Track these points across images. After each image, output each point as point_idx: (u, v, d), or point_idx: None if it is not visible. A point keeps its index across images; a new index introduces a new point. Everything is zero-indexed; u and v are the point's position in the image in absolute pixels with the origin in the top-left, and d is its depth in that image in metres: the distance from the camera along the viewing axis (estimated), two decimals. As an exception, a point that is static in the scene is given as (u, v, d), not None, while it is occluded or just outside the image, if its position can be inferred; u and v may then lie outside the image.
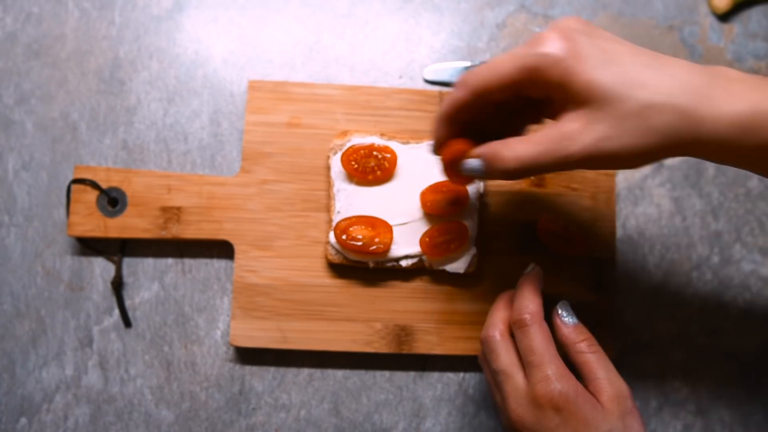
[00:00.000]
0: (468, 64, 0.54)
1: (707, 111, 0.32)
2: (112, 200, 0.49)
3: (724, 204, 0.55)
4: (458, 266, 0.48)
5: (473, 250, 0.49)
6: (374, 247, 0.47)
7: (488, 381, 0.43)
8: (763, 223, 0.55)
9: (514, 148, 0.35)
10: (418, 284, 0.50)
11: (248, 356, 0.51)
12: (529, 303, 0.40)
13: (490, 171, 0.36)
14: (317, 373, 0.51)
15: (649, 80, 0.32)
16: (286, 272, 0.49)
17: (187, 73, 0.53)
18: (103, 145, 0.52)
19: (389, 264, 0.48)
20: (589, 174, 0.52)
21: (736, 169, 0.55)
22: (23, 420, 0.49)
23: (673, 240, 0.54)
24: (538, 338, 0.38)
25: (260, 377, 0.50)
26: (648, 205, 0.54)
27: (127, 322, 0.50)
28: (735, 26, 0.57)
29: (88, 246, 0.51)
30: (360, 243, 0.47)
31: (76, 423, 0.49)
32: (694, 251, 0.54)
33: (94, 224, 0.49)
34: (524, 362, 0.38)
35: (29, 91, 0.52)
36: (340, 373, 0.51)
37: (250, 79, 0.53)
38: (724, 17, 0.57)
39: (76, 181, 0.49)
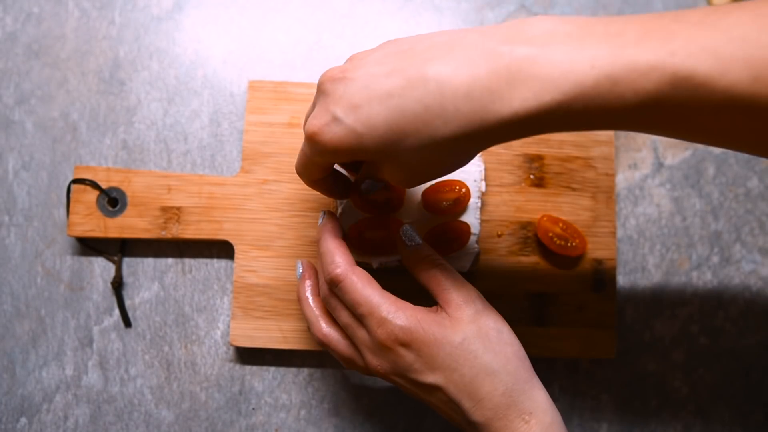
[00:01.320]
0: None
1: (474, 129, 0.30)
2: (112, 200, 0.49)
3: (724, 204, 0.55)
4: (462, 265, 0.48)
5: (476, 249, 0.49)
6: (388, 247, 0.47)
7: (343, 354, 0.40)
8: (763, 223, 0.55)
9: (377, 175, 0.38)
10: (416, 283, 0.50)
11: (248, 356, 0.51)
12: (337, 256, 0.38)
13: (379, 183, 0.40)
14: (317, 373, 0.51)
15: (407, 128, 0.30)
16: (286, 272, 0.49)
17: (187, 73, 0.53)
18: (103, 145, 0.52)
19: (393, 264, 0.48)
20: (589, 174, 0.52)
21: (736, 169, 0.55)
22: (23, 420, 0.49)
23: (673, 240, 0.54)
24: (357, 288, 0.37)
25: (260, 377, 0.50)
26: (648, 205, 0.54)
27: (127, 322, 0.50)
28: (735, 26, 0.57)
29: (88, 246, 0.51)
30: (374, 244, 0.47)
31: (76, 423, 0.49)
32: (694, 251, 0.54)
33: (94, 224, 0.49)
34: (356, 316, 0.37)
35: (29, 91, 0.53)
36: (340, 373, 0.51)
37: (250, 79, 0.53)
38: (724, 17, 0.57)
39: (76, 181, 0.49)
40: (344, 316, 0.38)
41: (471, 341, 0.35)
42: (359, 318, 0.37)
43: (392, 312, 0.36)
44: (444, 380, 0.35)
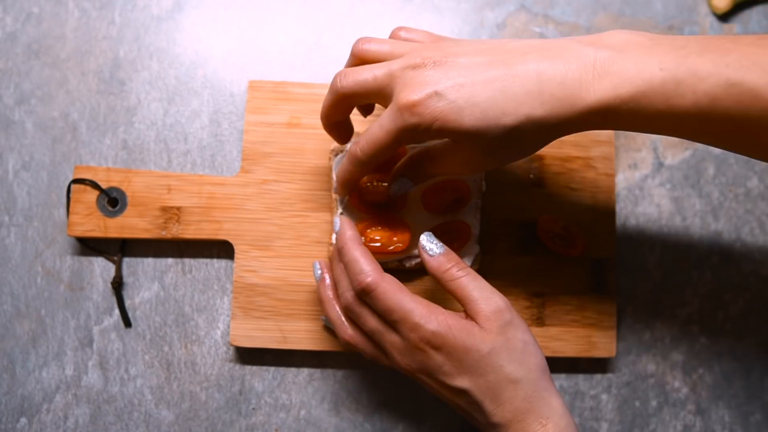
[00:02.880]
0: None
1: (563, 113, 0.34)
2: (112, 200, 0.49)
3: (724, 204, 0.55)
4: None
5: (477, 249, 0.49)
6: (393, 247, 0.47)
7: (369, 354, 0.42)
8: (763, 223, 0.55)
9: (431, 168, 0.41)
10: (418, 284, 0.50)
11: (248, 356, 0.51)
12: (363, 264, 0.39)
13: (415, 183, 0.43)
14: (317, 373, 0.51)
15: (507, 106, 0.35)
16: (286, 272, 0.49)
17: (187, 73, 0.53)
18: (103, 145, 0.52)
19: (393, 265, 0.48)
20: (589, 174, 0.52)
21: (736, 169, 0.55)
22: (23, 420, 0.49)
23: (673, 240, 0.54)
24: (389, 296, 0.38)
25: (260, 377, 0.50)
26: (648, 205, 0.54)
27: (127, 322, 0.50)
28: (735, 26, 0.57)
29: (88, 246, 0.51)
30: (379, 244, 0.47)
31: (76, 423, 0.49)
32: (694, 251, 0.54)
33: (94, 224, 0.49)
34: (389, 322, 0.38)
35: (29, 91, 0.53)
36: (340, 373, 0.51)
37: (250, 79, 0.53)
38: (724, 17, 0.57)
39: (76, 181, 0.49)
40: (372, 323, 0.39)
41: (498, 352, 0.37)
42: (392, 324, 0.38)
43: (425, 317, 0.37)
44: (470, 384, 0.37)
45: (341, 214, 0.48)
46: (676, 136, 0.36)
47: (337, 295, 0.42)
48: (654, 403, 0.52)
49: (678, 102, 0.32)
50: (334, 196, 0.48)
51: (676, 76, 0.32)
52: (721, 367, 0.53)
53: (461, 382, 0.37)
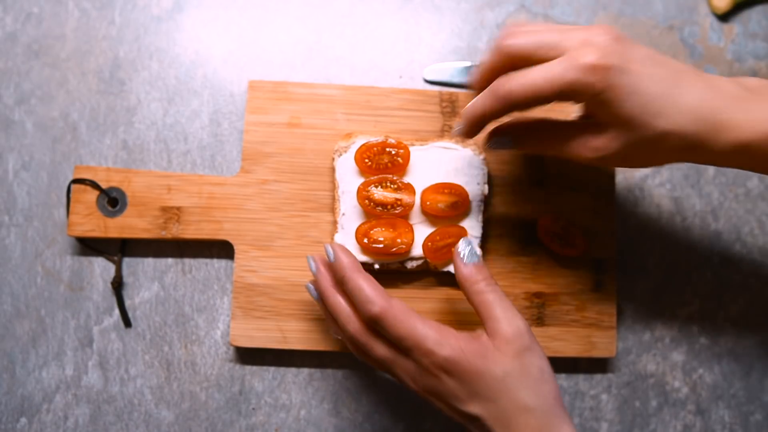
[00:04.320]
0: (468, 64, 0.54)
1: (710, 138, 0.35)
2: (112, 200, 0.49)
3: (724, 204, 0.55)
4: None
5: (479, 252, 0.49)
6: (396, 248, 0.47)
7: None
8: (763, 223, 0.55)
9: (554, 143, 0.40)
10: (418, 284, 0.50)
11: (248, 356, 0.51)
12: (369, 292, 0.38)
13: (517, 148, 0.42)
14: (317, 373, 0.51)
15: (667, 109, 0.35)
16: (286, 272, 0.49)
17: (187, 73, 0.53)
18: (103, 145, 0.52)
19: (394, 266, 0.48)
20: (590, 174, 0.52)
21: (736, 169, 0.55)
22: (23, 420, 0.49)
23: (673, 240, 0.54)
24: (398, 323, 0.37)
25: (260, 377, 0.50)
26: (648, 205, 0.54)
27: (127, 322, 0.50)
28: (735, 26, 0.57)
29: (88, 246, 0.51)
30: (382, 245, 0.47)
31: (76, 423, 0.49)
32: (694, 251, 0.54)
33: (94, 224, 0.49)
34: (401, 348, 0.38)
35: (29, 91, 0.53)
36: (340, 373, 0.51)
37: (250, 79, 0.53)
38: (724, 17, 0.57)
39: (76, 181, 0.49)
40: (382, 351, 0.39)
41: (512, 377, 0.36)
42: (403, 350, 0.38)
43: (438, 342, 0.37)
44: (482, 410, 0.36)
45: (343, 214, 0.48)
46: None
47: (339, 326, 0.41)
48: (654, 403, 0.52)
49: None
50: (455, 132, 0.42)
51: None
52: (721, 367, 0.53)
53: (473, 408, 0.37)
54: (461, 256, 0.40)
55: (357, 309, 0.39)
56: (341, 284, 0.40)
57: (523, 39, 0.37)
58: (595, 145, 0.37)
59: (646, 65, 0.36)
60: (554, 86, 0.35)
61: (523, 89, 0.36)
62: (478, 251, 0.40)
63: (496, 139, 0.42)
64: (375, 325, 0.38)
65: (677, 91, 0.35)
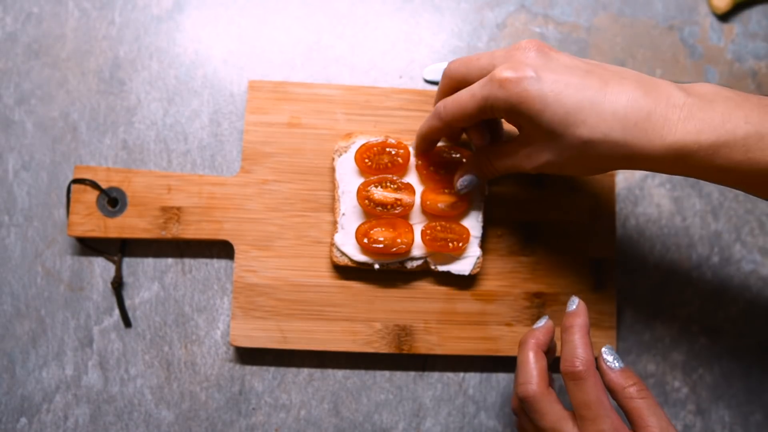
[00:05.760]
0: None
1: (640, 144, 0.35)
2: (112, 200, 0.49)
3: (724, 204, 0.55)
4: (463, 268, 0.48)
5: (479, 252, 0.49)
6: (396, 248, 0.47)
7: (524, 428, 0.43)
8: (763, 223, 0.55)
9: (497, 163, 0.44)
10: (418, 284, 0.50)
11: (248, 356, 0.51)
12: (581, 351, 0.39)
13: (481, 179, 0.46)
14: (317, 373, 0.51)
15: (590, 118, 0.36)
16: (286, 272, 0.49)
17: (187, 73, 0.53)
18: (103, 145, 0.52)
19: (394, 266, 0.48)
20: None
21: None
22: (23, 420, 0.49)
23: (673, 240, 0.54)
24: (593, 391, 0.38)
25: (260, 377, 0.50)
26: (648, 205, 0.54)
27: (127, 322, 0.50)
28: (735, 26, 0.57)
29: (88, 246, 0.51)
30: (382, 245, 0.47)
31: (76, 423, 0.49)
32: (694, 251, 0.54)
33: (94, 224, 0.49)
34: (577, 414, 0.38)
35: (29, 91, 0.52)
36: (340, 373, 0.51)
37: (250, 79, 0.53)
38: (724, 17, 0.57)
39: (76, 181, 0.49)
40: (558, 409, 0.39)
41: None
42: (579, 417, 0.38)
43: (614, 429, 0.37)
44: None
45: (344, 214, 0.48)
46: (745, 191, 0.37)
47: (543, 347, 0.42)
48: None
49: (758, 156, 0.34)
50: (412, 151, 0.48)
51: (759, 131, 0.34)
52: (721, 367, 0.53)
53: None
54: (608, 363, 0.40)
55: (562, 359, 0.39)
56: (562, 330, 0.41)
57: (462, 64, 0.42)
58: (530, 157, 0.40)
59: (565, 74, 0.37)
60: (476, 102, 0.39)
61: (453, 107, 0.41)
62: (619, 357, 0.41)
63: (461, 182, 0.46)
64: (571, 379, 0.38)
65: (601, 98, 0.36)
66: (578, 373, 0.38)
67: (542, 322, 0.43)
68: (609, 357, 0.40)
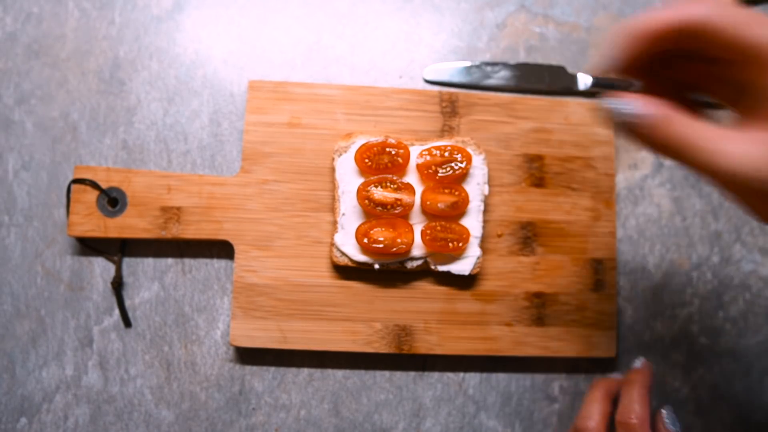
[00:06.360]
0: (468, 64, 0.54)
1: None
2: (112, 200, 0.49)
3: (724, 204, 0.55)
4: (463, 268, 0.49)
5: (479, 252, 0.49)
6: (396, 248, 0.47)
7: None
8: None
9: (679, 130, 0.27)
10: (418, 284, 0.50)
11: (248, 356, 0.51)
12: (638, 406, 0.40)
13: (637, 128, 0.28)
14: (317, 373, 0.51)
15: None
16: (286, 272, 0.49)
17: (187, 73, 0.53)
18: (103, 145, 0.52)
19: (394, 266, 0.48)
20: (589, 174, 0.52)
21: None
22: (23, 420, 0.49)
23: (673, 240, 0.54)
24: None
25: (260, 377, 0.50)
26: (648, 205, 0.54)
27: (127, 322, 0.50)
28: (735, 26, 0.57)
29: (88, 246, 0.51)
30: (382, 245, 0.47)
31: (76, 423, 0.49)
32: (694, 251, 0.54)
33: (94, 224, 0.49)
34: None
35: (29, 91, 0.52)
36: (340, 373, 0.51)
37: (250, 79, 0.53)
38: (724, 17, 0.57)
39: (76, 181, 0.49)
40: None
41: None
42: None
43: None
44: None
45: (344, 214, 0.48)
46: None
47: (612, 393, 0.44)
48: (654, 403, 0.52)
49: None
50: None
51: None
52: (721, 367, 0.53)
53: None
54: (667, 425, 0.42)
55: (619, 410, 0.41)
56: (624, 383, 0.43)
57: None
58: (736, 149, 0.25)
59: None
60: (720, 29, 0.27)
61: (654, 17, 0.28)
62: (679, 424, 0.43)
63: (616, 103, 0.29)
64: (624, 430, 0.40)
65: None
66: (632, 426, 0.40)
67: (639, 364, 0.45)
68: (668, 420, 0.42)
